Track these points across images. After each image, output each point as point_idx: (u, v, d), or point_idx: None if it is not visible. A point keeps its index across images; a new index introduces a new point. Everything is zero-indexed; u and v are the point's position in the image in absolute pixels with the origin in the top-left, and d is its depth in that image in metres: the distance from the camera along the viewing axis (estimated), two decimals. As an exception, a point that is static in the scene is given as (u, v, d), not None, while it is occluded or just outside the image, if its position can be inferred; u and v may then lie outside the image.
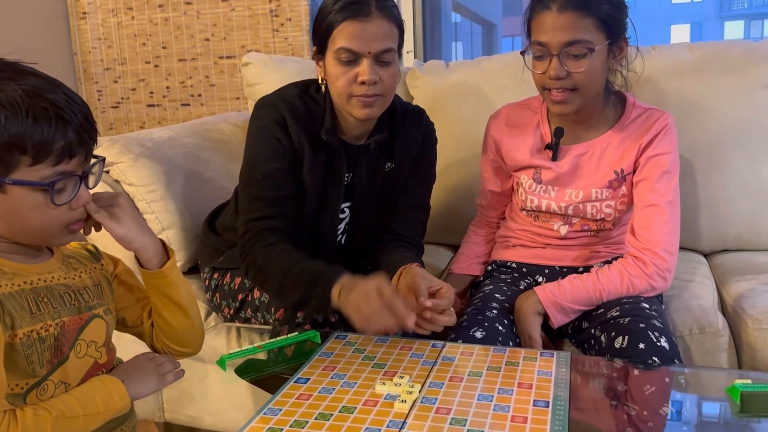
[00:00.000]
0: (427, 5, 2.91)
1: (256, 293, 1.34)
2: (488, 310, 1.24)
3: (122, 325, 0.99)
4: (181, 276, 0.98)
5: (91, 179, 0.86)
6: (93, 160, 0.86)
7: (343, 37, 1.20)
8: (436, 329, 1.09)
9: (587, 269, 1.34)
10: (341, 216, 1.39)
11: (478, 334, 1.17)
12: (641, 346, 1.08)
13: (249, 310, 1.39)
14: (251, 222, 1.29)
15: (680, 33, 20.29)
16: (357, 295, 1.05)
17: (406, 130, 1.39)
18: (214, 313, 1.53)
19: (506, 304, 1.28)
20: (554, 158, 1.36)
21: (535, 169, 1.39)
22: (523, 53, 1.32)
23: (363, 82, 1.21)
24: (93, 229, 0.90)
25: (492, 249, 1.54)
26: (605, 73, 1.28)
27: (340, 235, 1.41)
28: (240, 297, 1.37)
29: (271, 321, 1.37)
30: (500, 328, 1.20)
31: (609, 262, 1.31)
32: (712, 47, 1.80)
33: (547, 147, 1.37)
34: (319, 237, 1.37)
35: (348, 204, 1.39)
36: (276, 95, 1.34)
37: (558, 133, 1.35)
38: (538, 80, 1.29)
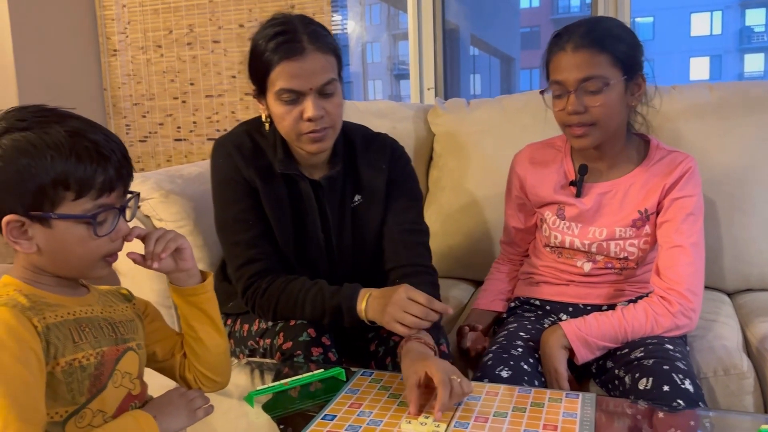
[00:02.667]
0: (447, 39, 2.96)
1: (260, 341, 1.34)
2: (513, 348, 1.25)
3: (153, 361, 1.02)
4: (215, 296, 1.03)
5: (128, 212, 0.90)
6: (128, 195, 0.90)
7: (281, 78, 1.21)
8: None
9: (611, 308, 1.35)
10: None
11: (504, 374, 1.18)
12: (665, 388, 1.08)
13: (257, 357, 1.38)
14: (238, 270, 1.32)
15: (699, 66, 20.31)
16: (387, 304, 1.14)
17: (370, 162, 1.38)
18: (234, 353, 1.55)
19: (531, 343, 1.29)
20: (578, 195, 1.38)
21: (559, 205, 1.41)
22: (542, 93, 1.35)
23: (309, 119, 1.22)
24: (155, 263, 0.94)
25: (515, 286, 1.55)
26: (624, 109, 1.31)
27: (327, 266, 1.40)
28: (250, 344, 1.38)
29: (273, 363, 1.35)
30: (525, 367, 1.21)
31: (633, 301, 1.32)
32: (732, 87, 1.82)
33: (571, 183, 1.39)
34: (310, 268, 1.36)
35: (322, 237, 1.38)
36: (225, 135, 1.37)
37: (582, 170, 1.38)
38: (559, 118, 1.33)
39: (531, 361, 1.24)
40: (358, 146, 1.39)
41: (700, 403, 1.08)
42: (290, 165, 1.33)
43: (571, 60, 1.27)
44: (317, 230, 1.36)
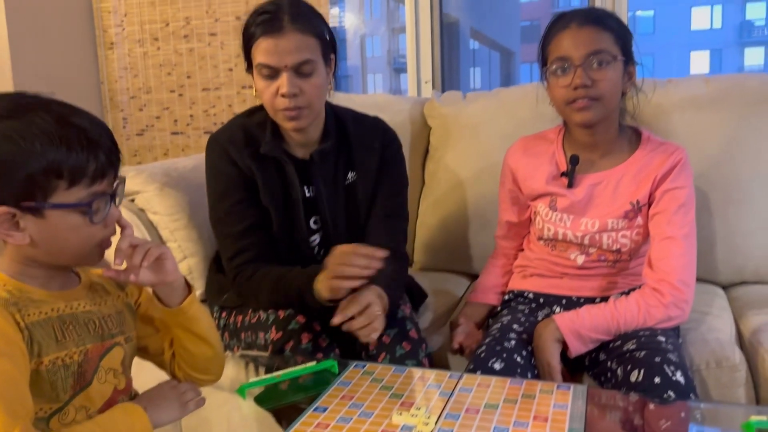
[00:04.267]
0: (446, 33, 2.95)
1: (253, 335, 1.36)
2: (506, 340, 1.25)
3: (144, 353, 1.01)
4: (201, 308, 1.00)
5: (118, 199, 0.89)
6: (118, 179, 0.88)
7: (260, 52, 1.26)
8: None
9: (604, 300, 1.35)
10: (314, 228, 1.42)
11: (497, 365, 1.19)
12: (657, 380, 1.09)
13: (255, 350, 1.39)
14: (229, 262, 1.36)
15: (700, 60, 20.27)
16: (331, 270, 1.17)
17: (362, 139, 1.42)
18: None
19: (524, 335, 1.29)
20: (570, 185, 1.38)
21: (551, 196, 1.41)
22: (543, 75, 1.36)
23: (283, 95, 1.26)
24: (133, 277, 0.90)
25: (509, 279, 1.55)
26: (620, 91, 1.33)
27: (318, 248, 1.43)
28: (242, 336, 1.40)
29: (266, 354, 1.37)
30: (518, 359, 1.21)
31: (626, 294, 1.33)
32: (728, 80, 1.81)
33: (563, 174, 1.39)
34: (296, 251, 1.40)
35: (315, 218, 1.41)
36: (218, 130, 1.41)
37: (573, 160, 1.38)
38: (561, 95, 1.32)
39: (524, 353, 1.24)
40: (350, 125, 1.43)
41: (690, 395, 1.08)
42: (276, 146, 1.36)
43: (578, 35, 1.28)
44: (299, 212, 1.38)
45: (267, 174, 1.35)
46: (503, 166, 1.52)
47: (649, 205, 1.34)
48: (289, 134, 1.37)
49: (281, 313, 1.29)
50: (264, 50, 1.25)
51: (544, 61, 1.36)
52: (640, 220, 1.35)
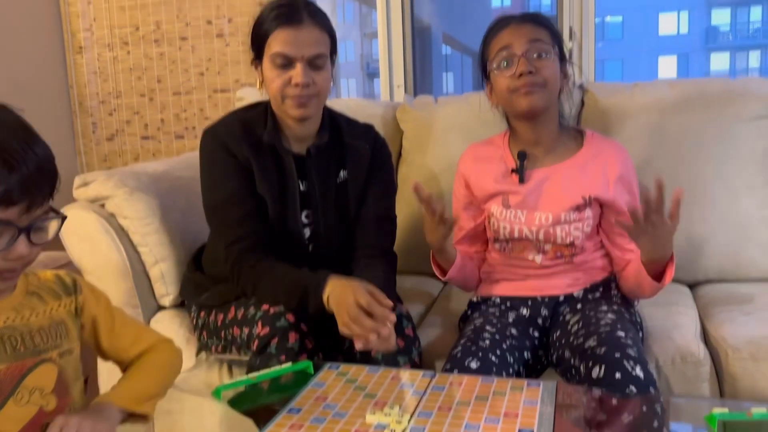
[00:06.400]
0: (418, 38, 2.98)
1: (236, 330, 1.35)
2: (481, 340, 1.27)
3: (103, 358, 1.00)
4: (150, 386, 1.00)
5: (42, 235, 0.82)
6: (52, 214, 0.82)
7: (277, 42, 1.31)
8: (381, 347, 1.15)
9: (568, 297, 1.40)
10: (305, 222, 1.44)
11: (473, 364, 1.20)
12: (617, 375, 1.11)
13: (234, 347, 1.40)
14: (229, 248, 1.36)
15: (667, 64, 20.66)
16: (339, 305, 1.16)
17: (353, 140, 1.47)
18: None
19: (497, 336, 1.30)
20: (521, 180, 1.42)
21: (503, 195, 1.45)
22: (484, 82, 1.43)
23: (297, 84, 1.30)
24: None
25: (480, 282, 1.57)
26: (559, 85, 1.40)
27: (308, 242, 1.45)
28: (222, 335, 1.40)
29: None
30: (493, 358, 1.23)
31: (589, 289, 1.39)
32: (692, 84, 1.86)
33: (513, 171, 1.44)
34: (289, 243, 1.42)
35: (307, 212, 1.44)
36: (214, 123, 1.43)
37: (521, 156, 1.43)
38: (505, 85, 1.37)
39: (498, 352, 1.26)
40: (343, 125, 1.47)
41: (650, 389, 1.11)
42: (276, 136, 1.39)
43: (518, 29, 1.36)
44: (295, 204, 1.40)
45: (264, 165, 1.38)
46: (456, 172, 1.55)
47: (599, 201, 1.40)
48: (288, 127, 1.40)
49: (270, 310, 1.29)
50: (283, 40, 1.30)
51: (484, 65, 1.42)
52: (588, 212, 1.39)
